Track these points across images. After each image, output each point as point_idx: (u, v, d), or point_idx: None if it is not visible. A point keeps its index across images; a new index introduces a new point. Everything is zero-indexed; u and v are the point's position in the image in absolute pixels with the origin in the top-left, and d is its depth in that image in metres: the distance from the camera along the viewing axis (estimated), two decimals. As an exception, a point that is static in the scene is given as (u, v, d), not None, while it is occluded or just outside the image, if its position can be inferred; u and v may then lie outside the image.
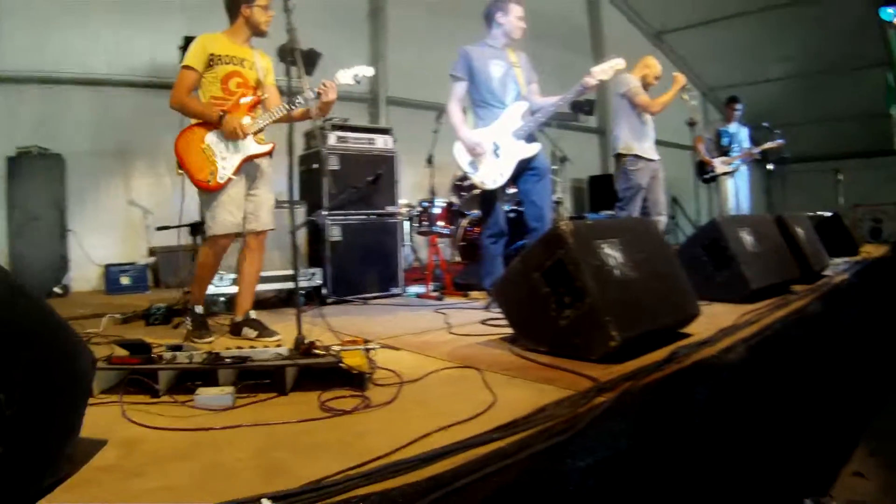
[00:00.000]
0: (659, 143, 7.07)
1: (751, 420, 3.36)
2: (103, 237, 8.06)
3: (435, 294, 6.15)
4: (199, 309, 4.22)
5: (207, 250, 4.13)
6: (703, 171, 9.46)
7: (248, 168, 4.22)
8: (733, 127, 9.66)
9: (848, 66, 15.66)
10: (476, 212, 6.86)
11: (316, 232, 5.87)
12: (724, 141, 9.55)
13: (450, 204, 7.32)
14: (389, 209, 6.29)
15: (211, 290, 5.04)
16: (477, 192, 6.00)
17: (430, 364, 3.05)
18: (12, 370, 1.36)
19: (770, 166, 12.33)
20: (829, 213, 8.71)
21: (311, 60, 7.46)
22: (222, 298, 5.24)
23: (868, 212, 18.01)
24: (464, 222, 7.19)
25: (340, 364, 2.63)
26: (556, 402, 2.17)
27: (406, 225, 7.50)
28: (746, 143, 9.63)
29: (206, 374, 2.57)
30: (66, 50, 7.90)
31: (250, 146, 4.17)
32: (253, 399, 2.49)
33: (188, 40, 6.73)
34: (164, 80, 7.86)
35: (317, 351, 2.73)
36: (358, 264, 5.91)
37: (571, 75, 5.41)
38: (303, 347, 2.74)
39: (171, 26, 8.15)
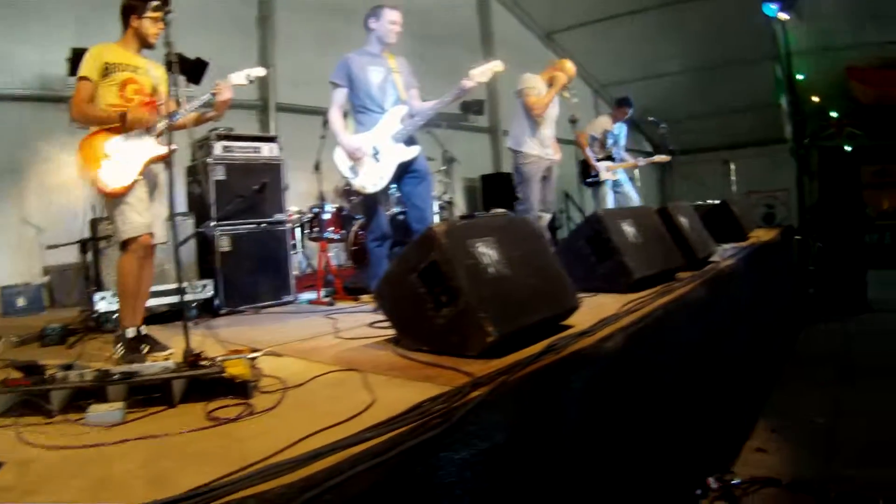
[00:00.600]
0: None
1: (637, 406, 3.53)
2: None
3: (326, 300, 6.23)
4: (130, 332, 4.08)
5: (126, 259, 4.05)
6: (587, 175, 9.67)
7: (148, 175, 4.24)
8: (617, 128, 9.89)
9: (737, 59, 16.19)
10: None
11: (205, 243, 5.88)
12: (609, 141, 9.79)
13: (339, 209, 7.41)
14: (278, 217, 6.33)
15: (104, 306, 5.02)
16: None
17: (314, 369, 3.11)
18: None
19: (668, 159, 12.79)
20: (716, 202, 9.03)
21: (199, 70, 7.46)
22: (115, 315, 5.21)
23: (761, 198, 18.99)
24: (354, 227, 7.29)
25: (223, 374, 2.70)
26: (431, 398, 2.26)
27: (298, 232, 7.54)
28: (623, 141, 9.88)
29: (97, 391, 2.59)
30: None
31: (152, 148, 4.19)
32: (142, 413, 2.52)
33: (76, 52, 6.70)
34: (53, 93, 7.90)
35: (202, 363, 2.79)
36: (249, 274, 5.92)
37: (462, 75, 5.57)
38: (189, 359, 2.79)
39: (60, 38, 7.93)
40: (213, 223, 5.74)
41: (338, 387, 2.79)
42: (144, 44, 4.32)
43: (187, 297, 5.33)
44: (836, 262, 11.35)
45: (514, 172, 7.32)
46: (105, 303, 5.02)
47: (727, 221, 8.33)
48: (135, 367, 2.78)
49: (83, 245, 6.07)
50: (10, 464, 2.07)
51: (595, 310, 3.92)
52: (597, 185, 9.50)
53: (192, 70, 8.05)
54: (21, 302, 7.21)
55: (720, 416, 5.37)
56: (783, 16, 11.69)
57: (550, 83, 7.28)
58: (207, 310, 5.61)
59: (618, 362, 3.24)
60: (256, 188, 6.06)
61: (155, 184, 4.32)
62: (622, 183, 9.60)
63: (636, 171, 10.37)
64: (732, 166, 16.43)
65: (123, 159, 4.10)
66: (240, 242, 5.95)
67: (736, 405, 5.89)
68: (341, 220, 7.36)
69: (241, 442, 2.13)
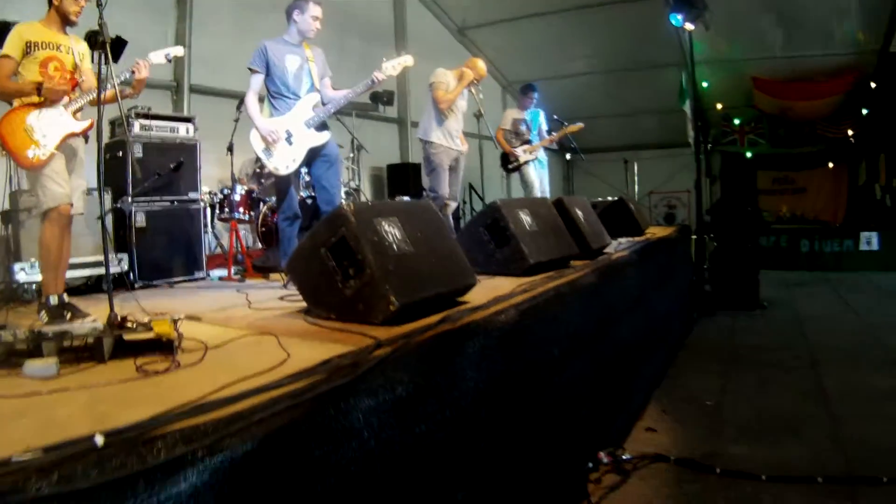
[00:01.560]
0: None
1: (529, 377, 3.86)
2: None
3: (236, 277, 6.49)
4: (52, 300, 4.34)
5: (49, 228, 4.31)
6: (507, 162, 10.08)
7: (66, 150, 4.50)
8: (528, 114, 10.30)
9: (645, 64, 16.78)
10: (275, 198, 7.23)
11: (121, 218, 6.05)
12: (522, 128, 10.19)
13: (249, 192, 7.65)
14: (192, 195, 6.56)
15: (23, 277, 5.18)
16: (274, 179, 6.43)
17: (232, 333, 3.37)
18: None
19: (568, 156, 13.18)
20: (614, 199, 9.45)
21: (117, 47, 7.56)
22: (34, 286, 5.35)
23: (663, 198, 19.68)
24: (263, 209, 7.54)
25: (150, 332, 2.93)
26: (340, 354, 2.56)
27: (208, 212, 7.74)
28: (545, 126, 10.32)
29: (32, 349, 2.78)
30: None
31: (69, 124, 4.46)
32: (76, 368, 2.73)
33: None
34: None
35: (128, 324, 3.02)
36: (163, 249, 6.15)
37: (375, 67, 5.87)
38: (116, 322, 3.02)
39: None
40: (129, 199, 5.92)
41: (255, 347, 3.04)
42: (66, 21, 4.58)
43: (102, 271, 5.53)
44: (731, 261, 11.82)
45: (424, 162, 7.70)
46: (24, 273, 5.19)
47: (624, 217, 8.73)
48: (65, 327, 2.99)
49: (3, 217, 6.18)
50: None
51: (491, 290, 4.25)
52: (518, 169, 9.98)
53: (112, 48, 8.11)
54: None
55: (612, 396, 5.69)
56: (689, 26, 12.02)
57: (461, 79, 7.63)
58: (122, 283, 5.79)
59: (509, 334, 3.54)
60: (173, 166, 6.27)
61: (74, 157, 4.54)
62: (540, 165, 10.08)
63: (546, 161, 10.86)
64: (636, 166, 16.99)
65: (41, 133, 4.33)
66: (155, 219, 6.16)
67: (628, 387, 6.25)
68: (251, 202, 7.60)
69: (171, 389, 2.34)
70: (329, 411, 2.20)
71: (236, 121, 7.96)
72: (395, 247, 3.40)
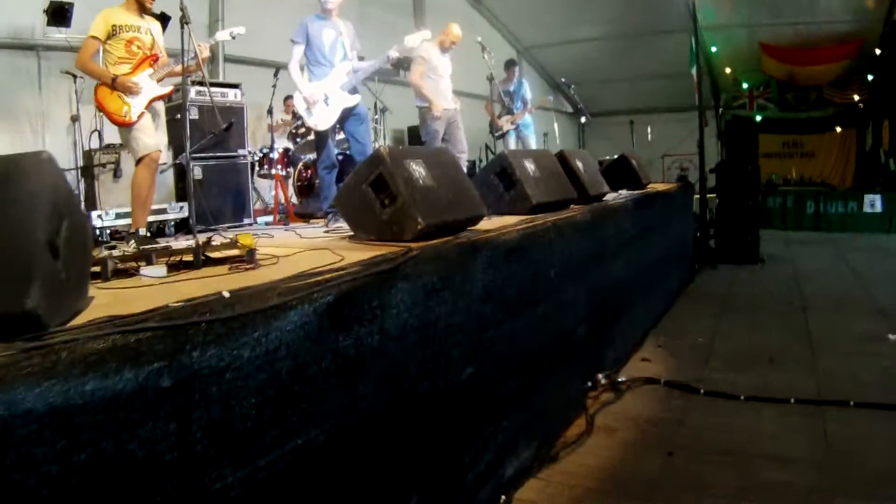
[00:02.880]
0: (469, 96, 8.38)
1: (530, 292, 4.69)
2: None
3: (281, 221, 7.34)
4: (141, 231, 5.30)
5: (141, 172, 5.30)
6: (494, 130, 11.01)
7: (151, 110, 5.49)
8: (513, 86, 11.19)
9: (654, 29, 17.19)
10: (309, 156, 8.11)
11: (181, 172, 6.92)
12: (506, 99, 11.06)
13: (286, 150, 8.50)
14: (241, 152, 7.43)
15: (99, 223, 6.11)
16: (310, 138, 7.33)
17: (294, 250, 4.20)
18: (61, 224, 2.32)
19: (582, 119, 13.76)
20: (616, 156, 10.08)
21: (163, 23, 8.37)
22: (108, 231, 6.26)
23: (675, 160, 20.05)
24: (300, 165, 8.40)
25: (233, 247, 3.77)
26: (382, 255, 3.39)
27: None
28: (528, 95, 11.15)
29: (144, 258, 3.57)
30: None
31: (154, 89, 5.45)
32: (178, 274, 3.46)
33: (53, 4, 7.57)
34: (22, 41, 8.75)
35: (214, 243, 3.86)
36: (216, 199, 6.99)
37: (394, 35, 6.72)
38: (205, 241, 3.86)
39: None
40: (187, 155, 6.77)
41: (315, 256, 3.82)
42: (143, 7, 5.46)
43: (167, 217, 6.44)
44: (733, 217, 12.43)
45: (420, 125, 8.49)
46: (100, 220, 6.11)
47: (626, 172, 9.29)
48: (166, 243, 3.83)
49: (83, 171, 7.05)
50: (101, 297, 2.73)
51: (498, 222, 5.04)
52: (503, 136, 10.89)
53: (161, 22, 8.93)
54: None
55: (608, 324, 6.44)
56: None
57: (443, 47, 8.39)
58: (182, 227, 6.67)
59: (511, 250, 4.38)
60: (225, 126, 7.10)
61: (157, 117, 5.47)
62: (523, 130, 10.90)
63: (555, 126, 11.65)
64: (649, 129, 17.48)
65: (132, 99, 5.28)
66: (209, 172, 7.00)
67: (624, 319, 6.96)
68: (288, 159, 8.45)
69: (259, 277, 3.09)
70: (376, 287, 3.07)
71: (274, 86, 8.83)
72: (420, 182, 4.18)
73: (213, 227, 6.85)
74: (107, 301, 2.65)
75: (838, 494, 4.05)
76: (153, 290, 3.04)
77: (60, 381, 1.83)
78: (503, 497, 4.19)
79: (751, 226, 12.41)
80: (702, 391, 5.83)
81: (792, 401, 5.46)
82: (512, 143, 11.18)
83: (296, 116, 9.44)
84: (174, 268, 3.57)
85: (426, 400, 3.43)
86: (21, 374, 1.77)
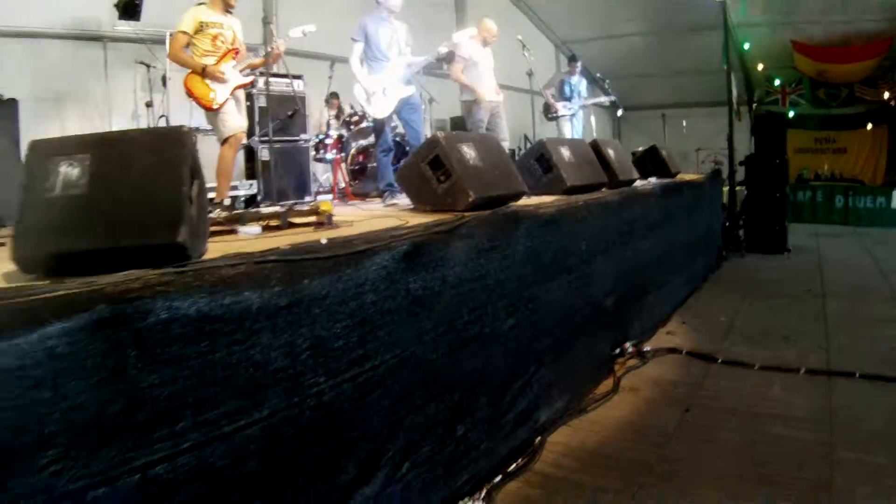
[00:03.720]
0: (511, 89, 8.96)
1: (563, 262, 5.33)
2: None
3: (340, 199, 8.02)
4: (226, 201, 6.01)
5: (227, 150, 6.03)
6: (548, 112, 11.54)
7: (234, 97, 6.23)
8: (575, 79, 11.78)
9: (689, 26, 17.34)
10: (362, 142, 8.81)
11: (250, 153, 7.63)
12: (566, 90, 11.66)
13: (340, 136, 9.19)
14: (303, 136, 8.13)
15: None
16: (362, 126, 8.04)
17: (363, 217, 4.93)
18: (193, 182, 2.97)
19: (619, 112, 14.20)
20: (647, 147, 10.49)
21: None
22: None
23: (709, 154, 19.80)
24: (353, 150, 9.10)
25: (313, 214, 4.44)
26: (441, 219, 4.05)
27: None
28: (585, 93, 11.72)
29: (239, 220, 4.26)
30: (4, 5, 8.64)
31: (237, 79, 6.16)
32: (271, 233, 4.14)
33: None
34: (90, 32, 9.35)
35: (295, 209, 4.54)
36: (280, 178, 7.67)
37: (435, 29, 7.39)
38: (289, 207, 4.53)
39: None
40: (256, 138, 7.46)
41: (383, 220, 4.48)
42: (227, 6, 6.16)
43: (238, 193, 7.14)
44: (761, 208, 12.77)
45: (466, 117, 9.08)
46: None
47: (657, 162, 9.82)
48: (255, 209, 4.51)
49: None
50: (214, 244, 3.37)
51: (537, 201, 5.63)
52: (556, 119, 11.38)
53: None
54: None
55: (635, 298, 7.02)
56: None
57: (484, 42, 9.01)
58: (251, 203, 7.37)
59: (548, 222, 5.03)
60: (290, 113, 7.80)
61: (239, 102, 6.18)
62: (575, 123, 11.46)
63: (592, 120, 12.21)
64: (684, 123, 17.81)
65: (217, 87, 5.98)
66: (275, 154, 7.68)
67: (650, 296, 7.51)
68: (342, 144, 9.14)
69: (339, 232, 3.79)
70: (438, 242, 3.74)
71: (330, 78, 9.55)
72: (471, 161, 4.83)
73: (280, 204, 7.58)
74: (218, 249, 3.26)
75: (838, 448, 4.50)
76: (251, 243, 3.69)
77: (206, 295, 2.50)
78: (538, 439, 4.81)
79: (778, 217, 12.76)
80: (719, 360, 6.36)
81: (802, 371, 5.93)
82: (567, 130, 11.75)
83: (341, 111, 10.21)
84: (265, 229, 4.25)
85: (475, 342, 4.09)
86: (178, 288, 2.43)
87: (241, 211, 4.56)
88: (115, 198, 2.72)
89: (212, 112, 6.12)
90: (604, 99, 12.69)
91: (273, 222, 4.35)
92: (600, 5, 18.03)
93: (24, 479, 2.04)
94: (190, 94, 6.11)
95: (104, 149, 2.86)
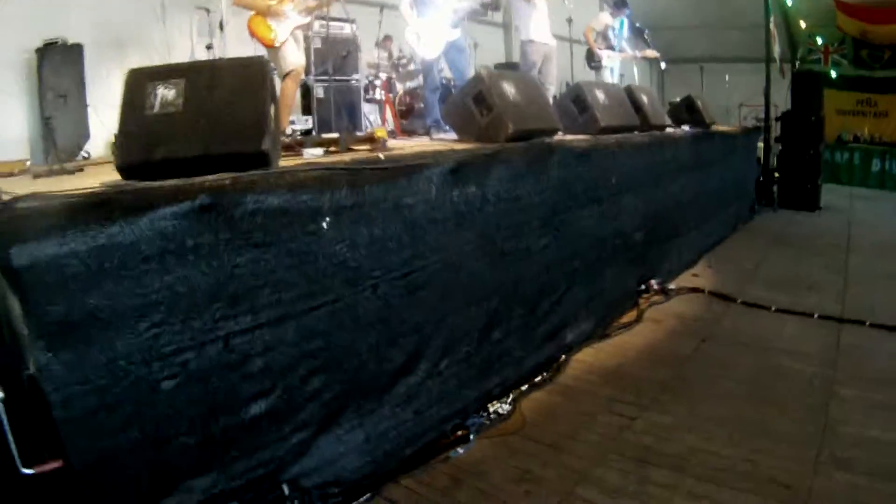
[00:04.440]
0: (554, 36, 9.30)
1: (597, 195, 5.79)
2: (113, 112, 9.27)
3: (390, 136, 8.48)
4: (287, 129, 6.51)
5: (289, 84, 6.43)
6: (592, 60, 11.75)
7: (293, 35, 6.58)
8: (617, 23, 11.91)
9: None
10: (409, 84, 9.28)
11: (307, 90, 8.11)
12: (610, 33, 11.79)
13: (389, 78, 9.66)
14: (355, 76, 8.59)
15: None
16: (410, 68, 8.51)
17: (414, 145, 5.35)
18: (272, 102, 3.49)
19: (663, 65, 14.30)
20: (683, 97, 10.69)
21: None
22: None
23: (752, 111, 19.58)
24: (400, 91, 9.57)
25: (367, 139, 4.93)
26: (485, 146, 4.54)
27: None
28: (626, 33, 11.86)
29: (302, 144, 4.78)
30: None
31: (296, 18, 6.54)
32: (332, 155, 4.59)
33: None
34: None
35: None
36: (335, 114, 8.11)
37: None
38: (346, 133, 5.02)
39: None
40: (312, 76, 7.93)
41: (431, 146, 4.92)
42: None
43: (295, 127, 7.63)
44: (795, 165, 12.93)
45: (521, 58, 9.42)
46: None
47: (692, 112, 10.04)
48: (316, 137, 5.00)
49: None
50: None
51: (571, 138, 6.08)
52: (598, 68, 11.50)
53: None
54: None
55: (663, 237, 7.41)
56: None
57: None
58: (307, 135, 7.85)
59: (580, 155, 5.53)
60: (343, 54, 8.26)
61: (297, 41, 6.63)
62: (615, 73, 11.70)
63: (634, 71, 12.45)
64: (726, 77, 17.82)
65: (277, 26, 6.42)
66: (329, 92, 8.13)
67: (679, 237, 7.92)
68: (391, 85, 9.61)
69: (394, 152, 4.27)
70: (480, 163, 4.25)
71: (380, 22, 10.00)
72: (511, 98, 5.25)
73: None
74: (289, 163, 3.73)
75: (837, 382, 4.89)
76: (317, 160, 4.19)
77: (286, 192, 3.04)
78: (563, 356, 5.32)
79: (811, 175, 12.95)
80: (739, 301, 6.76)
81: (815, 316, 6.30)
82: (608, 77, 11.82)
83: (391, 54, 10.66)
84: (326, 152, 4.72)
85: (511, 255, 4.61)
86: (262, 186, 2.96)
87: (305, 137, 5.04)
88: (207, 114, 3.20)
89: (273, 49, 6.55)
90: (649, 52, 12.85)
91: (333, 147, 4.81)
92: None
93: (127, 340, 2.54)
94: (253, 34, 6.52)
95: (196, 74, 3.34)
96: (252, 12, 6.49)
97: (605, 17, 11.76)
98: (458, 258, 4.07)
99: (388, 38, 10.83)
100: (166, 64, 3.68)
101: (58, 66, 8.43)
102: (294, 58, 6.48)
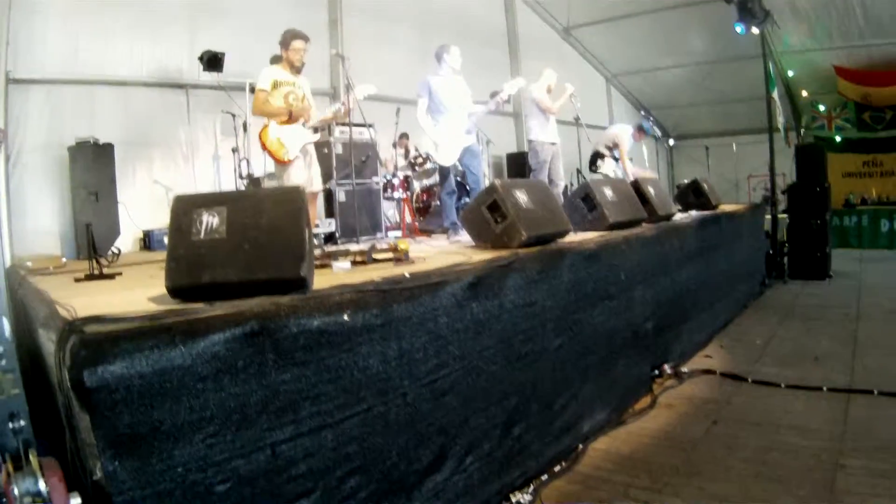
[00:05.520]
0: (560, 123, 9.72)
1: (605, 292, 6.04)
2: (141, 208, 9.66)
3: (408, 236, 8.83)
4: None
5: None
6: (594, 164, 12.22)
7: (303, 151, 6.91)
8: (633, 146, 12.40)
9: (733, 56, 17.62)
10: (426, 182, 9.70)
11: (329, 195, 8.49)
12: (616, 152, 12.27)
13: (406, 177, 10.07)
14: (374, 179, 9.00)
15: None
16: (426, 167, 8.98)
17: (432, 252, 5.77)
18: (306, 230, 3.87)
19: (671, 142, 14.67)
20: (689, 181, 11.10)
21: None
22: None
23: (760, 181, 20.17)
24: (417, 189, 9.97)
25: (392, 251, 5.28)
26: (498, 256, 4.89)
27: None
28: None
29: (333, 256, 5.11)
30: (95, 56, 9.52)
31: (306, 135, 6.88)
32: (359, 267, 4.96)
33: (206, 53, 9.17)
34: (170, 80, 10.22)
35: (377, 248, 5.39)
36: (355, 217, 8.48)
37: (491, 70, 8.20)
38: (370, 247, 5.37)
39: (176, 37, 10.30)
40: (334, 181, 8.31)
41: (451, 256, 5.27)
42: (293, 67, 6.96)
43: (318, 230, 7.96)
44: (803, 235, 13.11)
45: (531, 156, 9.89)
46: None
47: (698, 195, 10.43)
48: (344, 247, 5.35)
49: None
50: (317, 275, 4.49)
51: (581, 237, 6.39)
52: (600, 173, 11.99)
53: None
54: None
55: (674, 323, 7.59)
56: (755, 30, 13.58)
57: (548, 90, 9.91)
58: (330, 239, 8.21)
59: (590, 256, 5.79)
60: (363, 159, 8.68)
61: (308, 155, 6.99)
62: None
63: (643, 150, 12.93)
64: (734, 149, 18.08)
65: (289, 141, 6.73)
66: (350, 195, 8.51)
67: (689, 321, 8.08)
68: (408, 184, 10.01)
69: (413, 267, 4.56)
70: (496, 275, 4.59)
71: (396, 123, 10.42)
72: (524, 205, 5.59)
73: (351, 239, 8.38)
74: (321, 280, 4.05)
75: (844, 454, 5.04)
76: (347, 275, 4.57)
77: (323, 316, 3.38)
78: (580, 445, 5.55)
79: (820, 244, 13.09)
80: (749, 380, 6.90)
81: (824, 389, 6.43)
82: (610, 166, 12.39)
83: (408, 151, 11.09)
84: (353, 263, 5.10)
85: (527, 357, 4.93)
86: (304, 310, 3.31)
87: (334, 249, 5.39)
88: (250, 240, 3.55)
89: (281, 165, 6.89)
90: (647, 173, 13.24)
91: (359, 258, 5.17)
92: (648, 40, 18.67)
93: (185, 449, 2.83)
94: (263, 147, 6.89)
95: (238, 202, 3.72)
96: (265, 122, 6.81)
97: (631, 141, 12.48)
98: (478, 363, 4.39)
99: (404, 136, 11.28)
100: (210, 193, 4.05)
101: (90, 163, 8.79)
102: (299, 177, 6.79)
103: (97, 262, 5.34)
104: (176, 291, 3.48)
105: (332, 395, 3.41)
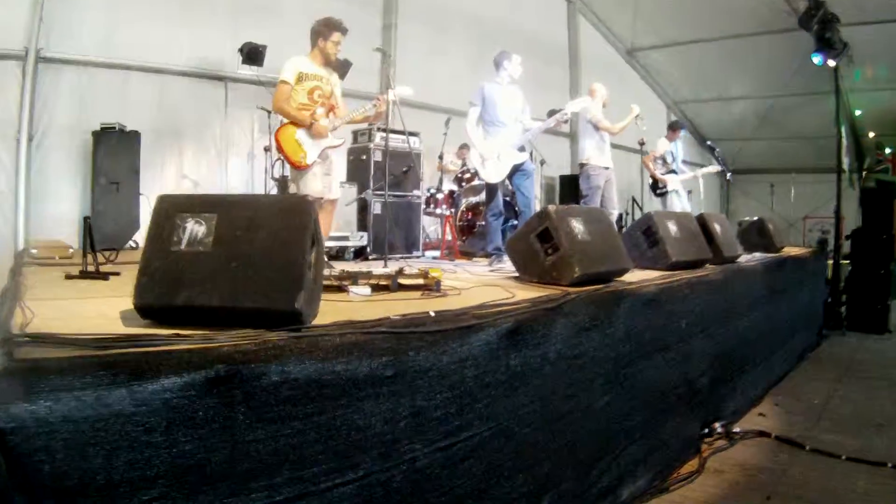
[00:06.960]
0: (622, 148, 9.15)
1: (662, 340, 5.36)
2: None
3: (447, 257, 8.19)
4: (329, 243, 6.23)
5: None
6: (656, 187, 11.57)
7: (323, 156, 6.25)
8: (673, 146, 11.77)
9: (801, 90, 17.10)
10: (472, 199, 9.02)
11: (363, 205, 7.86)
12: (669, 158, 11.65)
13: (451, 192, 9.42)
14: (415, 192, 8.35)
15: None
16: (474, 183, 8.25)
17: (470, 284, 5.03)
18: (313, 249, 3.15)
19: (728, 176, 14.13)
20: (755, 218, 10.53)
21: (345, 68, 9.30)
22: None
23: (817, 223, 19.54)
24: (462, 206, 9.30)
25: (422, 277, 4.59)
26: (545, 296, 4.16)
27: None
28: (680, 155, 11.72)
29: (352, 279, 4.42)
30: (132, 41, 9.18)
31: (328, 140, 6.22)
32: (380, 294, 4.33)
33: (246, 45, 8.66)
34: (209, 71, 9.90)
35: (405, 272, 4.70)
36: (391, 231, 7.87)
37: (548, 88, 7.57)
38: (398, 270, 4.69)
39: (219, 27, 9.93)
40: (370, 192, 7.70)
41: (490, 291, 4.60)
42: (326, 60, 6.29)
43: (348, 243, 7.37)
44: (864, 285, 12.43)
45: (584, 179, 9.22)
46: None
47: (763, 235, 9.81)
48: (368, 269, 4.68)
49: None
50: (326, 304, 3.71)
51: (640, 276, 5.73)
52: (664, 194, 11.34)
53: (340, 68, 9.93)
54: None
55: (729, 377, 6.96)
56: (831, 63, 12.98)
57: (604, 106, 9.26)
58: (360, 254, 7.59)
59: (649, 301, 5.09)
60: (404, 170, 8.05)
61: (327, 160, 6.34)
62: (681, 193, 11.47)
63: (700, 182, 12.23)
64: (792, 189, 17.52)
65: (308, 146, 6.13)
66: (387, 208, 7.90)
67: (745, 375, 7.44)
68: (452, 200, 9.35)
69: (447, 303, 3.91)
70: (542, 319, 3.84)
71: (445, 134, 9.81)
72: (579, 236, 4.93)
73: (382, 256, 7.76)
74: (329, 310, 3.46)
75: None
76: (362, 307, 3.90)
77: (317, 362, 2.65)
78: (619, 515, 4.83)
79: (881, 295, 12.40)
80: (807, 448, 6.22)
81: (889, 465, 5.79)
82: (676, 204, 11.74)
83: (464, 163, 10.47)
84: (375, 289, 4.43)
85: (568, 416, 4.17)
86: (291, 353, 2.59)
87: (355, 270, 4.73)
88: (238, 259, 2.90)
89: (297, 170, 6.26)
90: (710, 169, 12.66)
91: (384, 281, 4.50)
92: (715, 67, 18.13)
93: None
94: (280, 149, 6.23)
95: (231, 210, 3.05)
96: (282, 123, 6.26)
97: (663, 144, 11.87)
98: (510, 424, 3.66)
99: (464, 146, 10.62)
100: (200, 194, 3.37)
101: (113, 151, 8.50)
102: (315, 185, 6.20)
103: (94, 258, 4.80)
104: (146, 311, 2.89)
105: (319, 458, 2.70)
